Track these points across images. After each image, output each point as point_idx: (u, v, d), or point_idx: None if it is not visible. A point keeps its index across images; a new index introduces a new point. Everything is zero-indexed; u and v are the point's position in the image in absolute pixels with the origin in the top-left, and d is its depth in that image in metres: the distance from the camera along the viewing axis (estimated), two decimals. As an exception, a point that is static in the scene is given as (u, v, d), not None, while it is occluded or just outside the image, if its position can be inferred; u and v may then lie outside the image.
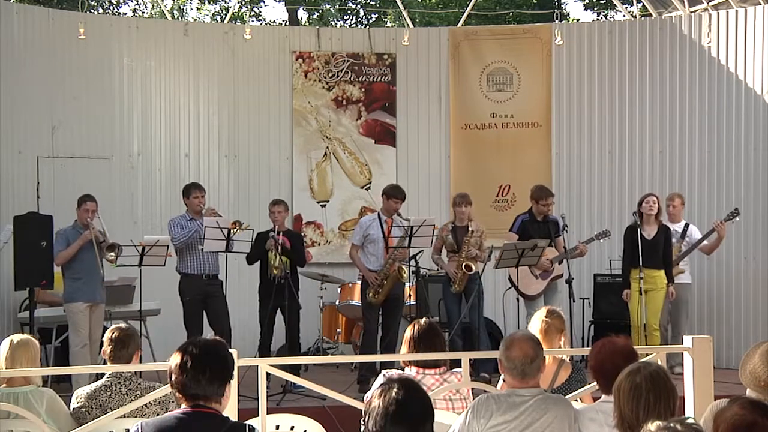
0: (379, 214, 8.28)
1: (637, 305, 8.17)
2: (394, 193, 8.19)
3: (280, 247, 7.78)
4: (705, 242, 8.68)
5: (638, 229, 8.23)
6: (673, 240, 8.61)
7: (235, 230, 7.63)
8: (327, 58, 10.38)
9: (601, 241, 8.64)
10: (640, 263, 8.06)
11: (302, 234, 9.58)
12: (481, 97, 10.40)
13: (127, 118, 9.89)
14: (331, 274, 9.72)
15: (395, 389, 2.63)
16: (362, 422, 2.69)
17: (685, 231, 8.68)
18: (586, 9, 20.68)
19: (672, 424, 2.37)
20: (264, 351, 8.01)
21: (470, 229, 8.23)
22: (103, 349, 4.57)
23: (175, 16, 19.04)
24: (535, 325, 4.76)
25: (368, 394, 2.72)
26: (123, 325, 4.77)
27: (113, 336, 4.51)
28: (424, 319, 4.60)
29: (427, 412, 2.65)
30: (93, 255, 7.61)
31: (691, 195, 9.73)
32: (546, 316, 4.79)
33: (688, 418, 2.52)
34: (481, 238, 8.27)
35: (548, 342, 4.61)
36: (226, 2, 20.59)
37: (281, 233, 7.89)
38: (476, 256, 8.17)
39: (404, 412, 2.60)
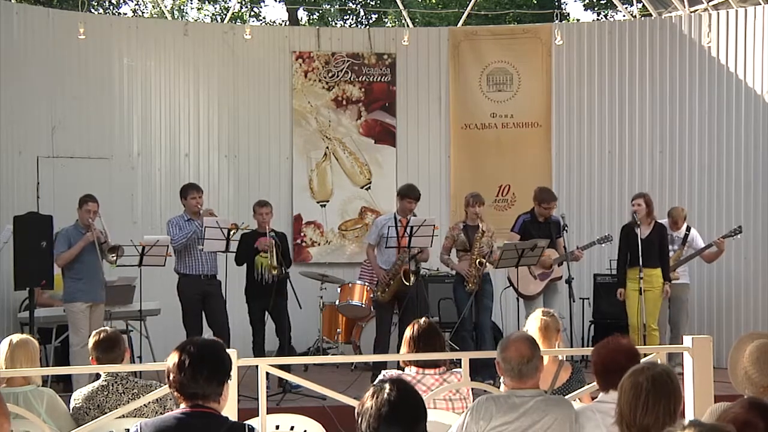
0: (395, 214, 8.30)
1: (635, 305, 8.19)
2: (407, 193, 8.23)
3: (274, 245, 7.81)
4: (706, 252, 8.69)
5: (634, 229, 8.26)
6: (675, 247, 8.62)
7: (234, 232, 7.64)
8: (327, 58, 10.38)
9: (603, 245, 8.65)
10: (639, 263, 8.06)
11: (301, 234, 9.60)
12: (481, 97, 10.40)
13: (127, 118, 9.89)
14: (331, 274, 9.73)
15: (387, 390, 2.63)
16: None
17: (686, 236, 8.67)
18: (586, 9, 20.68)
19: (702, 427, 2.33)
20: (259, 351, 8.00)
21: (482, 229, 8.20)
22: (91, 357, 4.56)
23: (175, 16, 19.03)
24: (534, 324, 4.75)
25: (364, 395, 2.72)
26: (105, 328, 4.74)
27: (100, 338, 4.49)
28: (423, 319, 4.60)
29: (419, 413, 2.65)
30: (94, 256, 7.61)
31: (691, 195, 9.74)
32: (543, 315, 4.78)
33: (724, 425, 2.47)
34: (492, 239, 8.24)
35: (547, 341, 4.60)
36: (226, 2, 20.59)
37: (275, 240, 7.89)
38: (487, 254, 8.11)
39: (397, 413, 2.60)
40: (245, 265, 8.07)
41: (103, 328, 4.70)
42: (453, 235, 8.35)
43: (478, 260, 8.06)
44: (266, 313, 7.99)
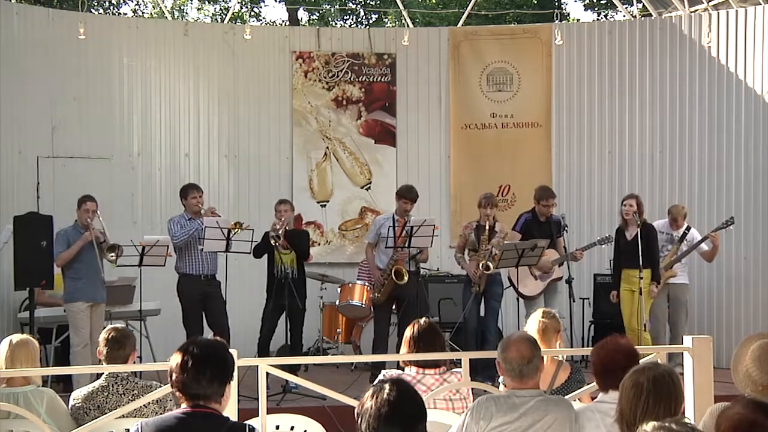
0: (393, 214, 8.31)
1: (625, 306, 8.26)
2: (403, 194, 8.26)
3: (281, 245, 7.86)
4: (705, 249, 8.67)
5: (624, 230, 8.31)
6: (669, 245, 8.63)
7: (236, 231, 7.64)
8: (327, 58, 10.38)
9: (603, 246, 8.65)
10: (637, 264, 8.06)
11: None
12: (481, 97, 10.40)
13: (127, 118, 9.89)
14: (331, 274, 9.73)
15: (387, 390, 2.63)
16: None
17: (684, 234, 8.67)
18: (586, 9, 20.68)
19: (667, 424, 2.36)
20: (263, 349, 8.02)
21: (495, 229, 8.18)
22: (98, 349, 4.58)
23: (175, 16, 19.03)
24: (532, 325, 4.74)
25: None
26: (119, 325, 4.77)
27: (110, 336, 4.52)
28: (424, 319, 4.60)
29: (419, 413, 2.65)
30: (93, 255, 7.61)
31: (691, 195, 9.74)
32: (542, 317, 4.77)
33: (683, 417, 2.51)
34: (504, 240, 8.16)
35: (546, 342, 4.60)
36: (226, 2, 20.59)
37: (282, 235, 7.90)
38: (495, 255, 8.04)
39: (397, 413, 2.60)
40: (263, 265, 8.13)
41: (115, 326, 4.70)
42: (465, 234, 8.35)
43: (482, 263, 8.05)
44: (282, 312, 7.97)
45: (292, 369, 7.21)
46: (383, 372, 4.49)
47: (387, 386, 2.65)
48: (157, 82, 10.04)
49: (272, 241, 7.84)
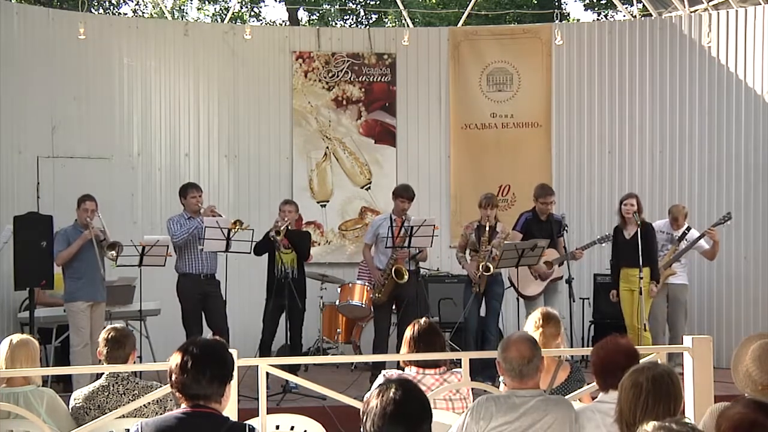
0: (391, 214, 8.32)
1: (626, 305, 8.26)
2: (400, 193, 8.26)
3: (280, 242, 7.88)
4: (706, 248, 8.67)
5: (623, 230, 8.31)
6: (669, 245, 8.62)
7: (236, 230, 7.63)
8: (327, 58, 10.38)
9: (603, 245, 8.65)
10: (638, 263, 8.06)
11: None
12: (481, 97, 10.40)
13: (127, 118, 9.89)
14: (331, 274, 9.74)
15: (393, 389, 2.63)
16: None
17: (684, 234, 8.66)
18: (586, 9, 20.69)
19: (668, 424, 2.37)
20: (264, 349, 8.02)
21: (496, 230, 8.18)
22: (98, 350, 4.58)
23: (175, 16, 19.03)
24: (531, 331, 4.70)
25: (367, 394, 2.72)
26: (118, 325, 4.77)
27: (109, 336, 4.52)
28: (424, 319, 4.60)
29: (425, 413, 2.66)
30: (93, 254, 7.60)
31: (691, 195, 9.74)
32: (540, 325, 4.66)
33: (683, 417, 2.51)
34: (504, 240, 8.15)
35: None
36: (226, 2, 20.60)
37: (282, 232, 7.90)
38: (495, 256, 8.04)
39: (402, 413, 2.60)
40: (264, 264, 8.13)
41: (115, 326, 4.70)
42: (466, 233, 8.36)
43: (482, 264, 8.05)
44: (281, 311, 7.98)
45: (292, 369, 7.21)
46: (383, 372, 4.49)
47: (393, 385, 2.65)
48: (157, 82, 10.04)
49: (272, 238, 7.84)
